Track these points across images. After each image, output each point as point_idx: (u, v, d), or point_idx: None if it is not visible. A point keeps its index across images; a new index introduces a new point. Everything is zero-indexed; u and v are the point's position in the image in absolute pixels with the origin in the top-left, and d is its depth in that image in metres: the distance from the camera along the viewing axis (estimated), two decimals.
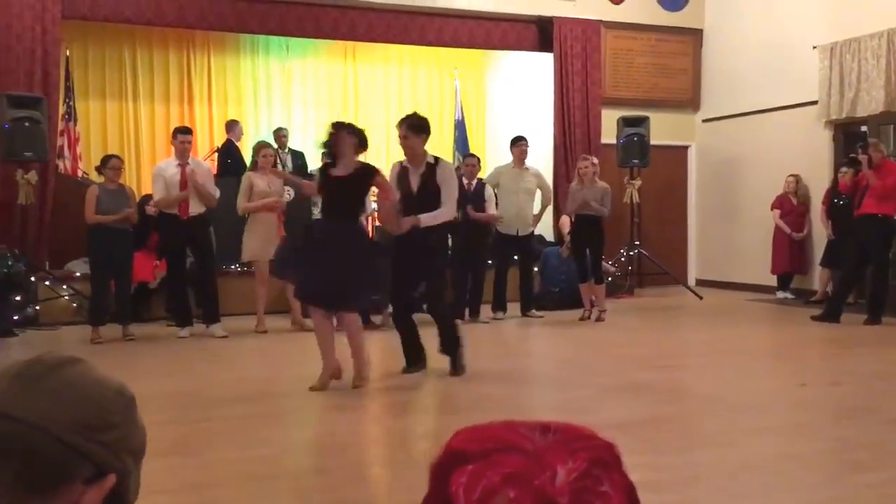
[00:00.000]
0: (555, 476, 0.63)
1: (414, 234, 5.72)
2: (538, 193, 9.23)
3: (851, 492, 3.61)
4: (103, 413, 0.91)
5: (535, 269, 9.88)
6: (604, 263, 9.20)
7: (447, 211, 5.95)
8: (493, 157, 12.76)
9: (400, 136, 5.85)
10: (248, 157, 11.16)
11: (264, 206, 8.04)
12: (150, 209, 8.12)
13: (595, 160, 9.02)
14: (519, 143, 9.12)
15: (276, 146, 10.54)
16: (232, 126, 10.79)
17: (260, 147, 8.51)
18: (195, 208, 7.76)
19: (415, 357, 6.01)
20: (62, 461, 0.86)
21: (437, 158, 5.94)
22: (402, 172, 5.93)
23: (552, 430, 0.70)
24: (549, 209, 9.92)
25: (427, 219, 5.85)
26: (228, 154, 10.50)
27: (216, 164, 10.58)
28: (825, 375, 6.24)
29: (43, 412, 0.87)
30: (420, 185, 5.82)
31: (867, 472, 3.82)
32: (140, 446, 0.96)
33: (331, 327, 5.63)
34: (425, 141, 5.82)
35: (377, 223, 9.20)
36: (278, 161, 9.44)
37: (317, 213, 7.97)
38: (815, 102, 10.24)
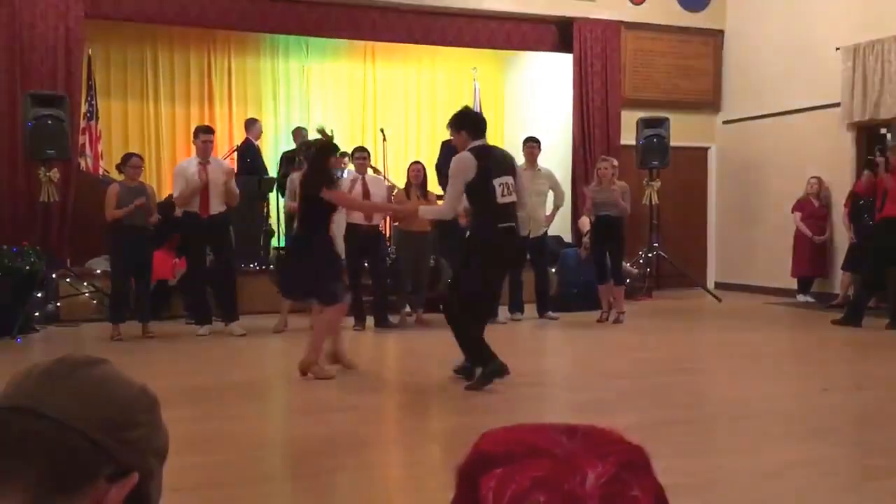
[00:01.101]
0: (584, 480, 0.63)
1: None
2: (551, 195, 9.21)
3: (873, 498, 3.57)
4: (127, 411, 0.91)
5: (553, 269, 9.85)
6: (623, 265, 9.17)
7: (441, 209, 6.22)
8: None
9: None
10: (267, 157, 11.22)
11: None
12: (178, 212, 8.17)
13: (615, 162, 9.00)
14: (528, 144, 9.11)
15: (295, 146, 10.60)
16: (250, 124, 10.83)
17: (302, 145, 8.62)
18: (216, 207, 7.80)
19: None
20: (87, 458, 0.87)
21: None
22: None
23: (580, 433, 0.69)
24: (567, 210, 9.90)
25: (424, 211, 6.44)
26: (247, 153, 10.54)
27: (235, 163, 10.62)
28: (847, 380, 6.18)
29: (68, 409, 0.87)
30: None
31: (889, 479, 3.78)
32: (163, 447, 0.96)
33: None
34: (465, 135, 5.64)
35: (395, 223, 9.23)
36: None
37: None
38: (837, 104, 10.14)
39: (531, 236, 8.87)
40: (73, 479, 0.86)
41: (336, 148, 6.26)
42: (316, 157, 5.94)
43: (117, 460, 0.89)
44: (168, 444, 0.97)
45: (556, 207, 9.38)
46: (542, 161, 9.30)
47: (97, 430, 0.88)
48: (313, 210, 5.85)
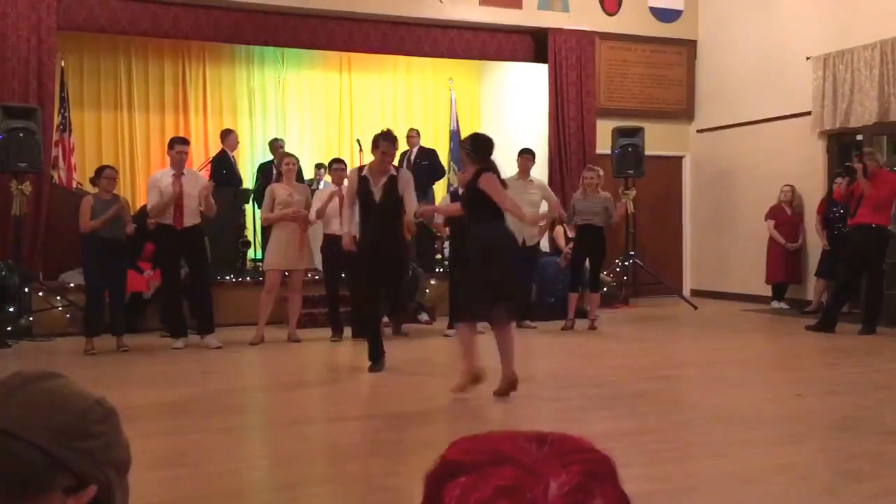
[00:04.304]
0: (547, 489, 0.63)
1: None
2: (544, 205, 9.25)
3: (846, 502, 3.60)
4: (81, 422, 0.90)
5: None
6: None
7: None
8: None
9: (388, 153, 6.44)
10: (243, 168, 11.17)
11: (284, 216, 8.06)
12: (151, 224, 8.10)
13: (601, 172, 9.07)
14: (523, 156, 9.15)
15: (272, 157, 10.56)
16: (226, 135, 10.78)
17: (282, 157, 8.57)
18: (190, 219, 7.74)
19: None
20: (40, 468, 0.86)
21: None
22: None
23: (549, 442, 0.69)
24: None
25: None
26: (223, 164, 10.48)
27: (210, 174, 10.56)
28: (820, 385, 6.24)
29: (20, 420, 0.87)
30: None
31: (863, 483, 3.81)
32: (123, 459, 0.95)
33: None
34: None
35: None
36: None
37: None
38: (808, 113, 10.28)
39: (526, 244, 8.91)
40: (25, 489, 0.85)
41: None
42: None
43: (72, 471, 0.88)
44: (130, 456, 0.96)
45: (551, 218, 9.44)
46: (515, 169, 9.33)
47: (50, 440, 0.87)
48: None
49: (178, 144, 7.89)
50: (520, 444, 0.68)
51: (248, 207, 10.66)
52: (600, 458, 0.68)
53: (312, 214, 8.17)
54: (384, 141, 6.51)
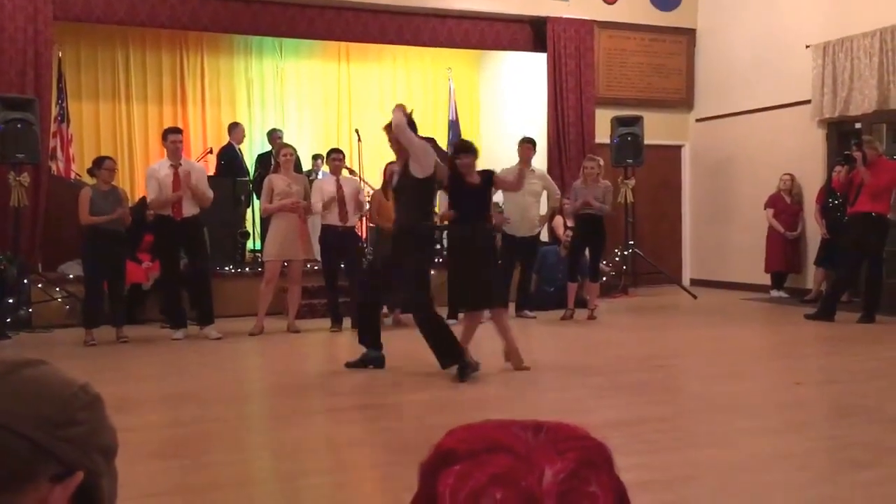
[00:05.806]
0: (542, 477, 0.62)
1: None
2: (544, 195, 9.25)
3: (846, 490, 3.61)
4: (66, 409, 0.89)
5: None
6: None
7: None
8: (486, 157, 12.73)
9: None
10: (248, 160, 11.15)
11: (283, 207, 8.04)
12: (150, 215, 8.09)
13: (601, 161, 9.06)
14: (524, 145, 9.12)
15: (271, 148, 10.55)
16: (233, 128, 10.79)
17: (280, 147, 8.56)
18: (189, 210, 7.73)
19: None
20: (26, 458, 0.85)
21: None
22: None
23: (544, 430, 0.69)
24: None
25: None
26: (226, 156, 10.47)
27: (215, 165, 10.56)
28: (819, 374, 6.25)
29: (4, 409, 0.86)
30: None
31: (862, 471, 3.82)
32: (110, 444, 0.94)
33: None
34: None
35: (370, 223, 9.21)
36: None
37: None
38: (808, 101, 10.25)
39: (521, 235, 8.90)
40: (11, 479, 0.85)
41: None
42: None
43: (59, 459, 0.87)
44: (116, 441, 0.95)
45: (551, 207, 9.42)
46: (515, 159, 9.31)
47: (35, 428, 0.86)
48: None
49: (171, 134, 7.87)
50: (515, 432, 0.68)
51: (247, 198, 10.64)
52: (595, 445, 0.67)
53: (318, 206, 8.15)
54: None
